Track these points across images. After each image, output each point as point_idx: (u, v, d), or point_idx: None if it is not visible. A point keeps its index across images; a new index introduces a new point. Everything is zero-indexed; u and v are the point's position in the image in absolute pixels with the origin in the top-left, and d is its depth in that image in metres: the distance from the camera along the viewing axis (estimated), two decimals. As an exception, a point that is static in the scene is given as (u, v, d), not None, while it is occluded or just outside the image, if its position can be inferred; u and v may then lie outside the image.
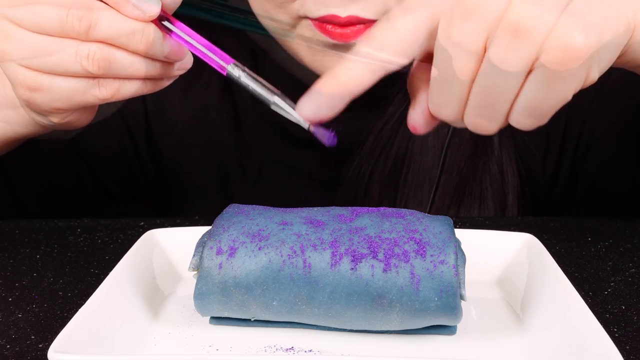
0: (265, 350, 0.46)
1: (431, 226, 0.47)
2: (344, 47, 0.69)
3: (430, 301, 0.45)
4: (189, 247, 0.51)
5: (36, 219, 0.71)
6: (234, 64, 0.51)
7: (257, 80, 0.50)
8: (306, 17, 0.67)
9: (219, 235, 0.47)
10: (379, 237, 0.46)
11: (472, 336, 0.48)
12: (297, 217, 0.48)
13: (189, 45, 0.52)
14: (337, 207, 0.50)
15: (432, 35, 0.47)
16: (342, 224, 0.48)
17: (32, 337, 0.48)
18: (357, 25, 0.67)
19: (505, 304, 0.52)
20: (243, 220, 0.48)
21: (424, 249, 0.45)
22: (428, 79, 0.48)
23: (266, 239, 0.47)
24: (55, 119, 0.56)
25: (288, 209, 0.50)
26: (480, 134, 0.48)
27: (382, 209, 0.50)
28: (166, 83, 0.56)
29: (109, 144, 0.85)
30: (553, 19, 0.43)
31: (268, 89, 0.50)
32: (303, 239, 0.46)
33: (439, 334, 0.47)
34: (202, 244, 0.49)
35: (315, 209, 0.50)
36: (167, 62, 0.54)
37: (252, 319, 0.48)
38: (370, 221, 0.48)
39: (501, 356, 0.46)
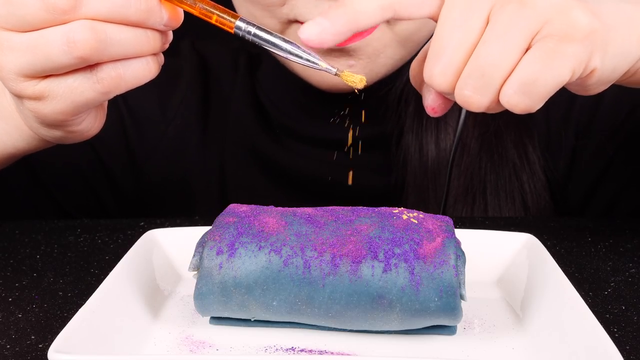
0: (266, 350, 0.46)
1: (431, 226, 0.47)
2: (338, 51, 0.67)
3: (430, 301, 0.45)
4: (189, 247, 0.51)
5: (36, 219, 0.71)
6: (241, 18, 0.47)
7: (270, 33, 0.48)
8: (296, 21, 0.65)
9: (219, 235, 0.47)
10: (379, 237, 0.46)
11: (472, 336, 0.48)
12: (297, 218, 0.48)
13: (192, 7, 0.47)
14: (337, 208, 0.50)
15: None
16: (342, 224, 0.48)
17: (32, 337, 0.48)
18: None
19: (505, 304, 0.52)
20: (243, 220, 0.48)
21: (424, 249, 0.45)
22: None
23: (266, 239, 0.47)
24: (65, 131, 0.52)
25: (288, 209, 0.50)
26: (469, 109, 0.47)
27: (382, 209, 0.50)
28: (162, 59, 0.50)
29: (69, 168, 0.80)
30: None
31: (284, 39, 0.48)
32: (303, 239, 0.46)
33: (439, 334, 0.47)
34: (202, 244, 0.49)
35: (315, 209, 0.50)
36: (162, 32, 0.49)
37: (252, 319, 0.48)
38: (370, 221, 0.48)
39: (501, 356, 0.46)
